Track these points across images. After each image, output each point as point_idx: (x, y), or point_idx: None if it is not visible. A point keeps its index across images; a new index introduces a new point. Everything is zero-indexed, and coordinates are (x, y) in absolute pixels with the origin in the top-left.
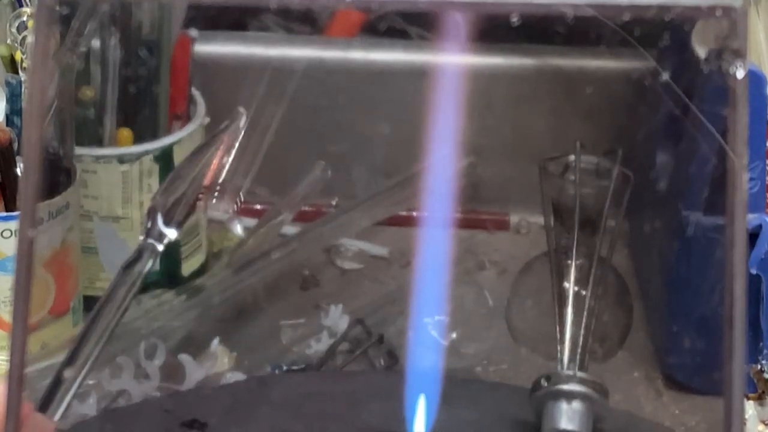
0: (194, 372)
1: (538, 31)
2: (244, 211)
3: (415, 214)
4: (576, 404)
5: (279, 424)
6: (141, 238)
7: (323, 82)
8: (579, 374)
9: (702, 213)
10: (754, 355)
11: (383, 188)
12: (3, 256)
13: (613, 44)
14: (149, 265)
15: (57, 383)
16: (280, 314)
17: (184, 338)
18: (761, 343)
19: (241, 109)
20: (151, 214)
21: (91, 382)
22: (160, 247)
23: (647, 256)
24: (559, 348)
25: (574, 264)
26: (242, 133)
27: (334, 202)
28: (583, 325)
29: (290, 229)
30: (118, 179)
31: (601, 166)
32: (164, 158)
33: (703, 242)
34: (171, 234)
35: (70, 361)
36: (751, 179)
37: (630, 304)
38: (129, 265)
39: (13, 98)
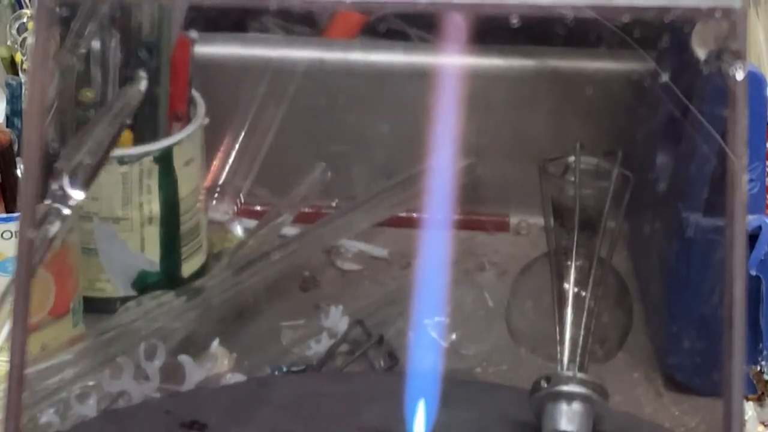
0: (194, 373)
1: (537, 33)
2: (245, 212)
3: (415, 215)
4: (576, 405)
5: (279, 425)
6: (47, 202)
7: (323, 83)
8: (579, 375)
9: (702, 214)
10: (753, 356)
11: (383, 189)
12: (3, 257)
13: (613, 46)
14: (56, 227)
15: None
16: (280, 315)
17: (184, 339)
18: (761, 344)
19: (142, 73)
20: (56, 176)
21: (91, 383)
22: (66, 210)
23: (647, 257)
24: (558, 349)
25: (573, 265)
26: (138, 100)
27: (334, 204)
28: (582, 326)
29: (290, 230)
30: (118, 180)
31: (601, 167)
32: (164, 159)
33: (702, 243)
34: (77, 195)
35: None
36: (751, 180)
37: (630, 305)
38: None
39: (14, 100)
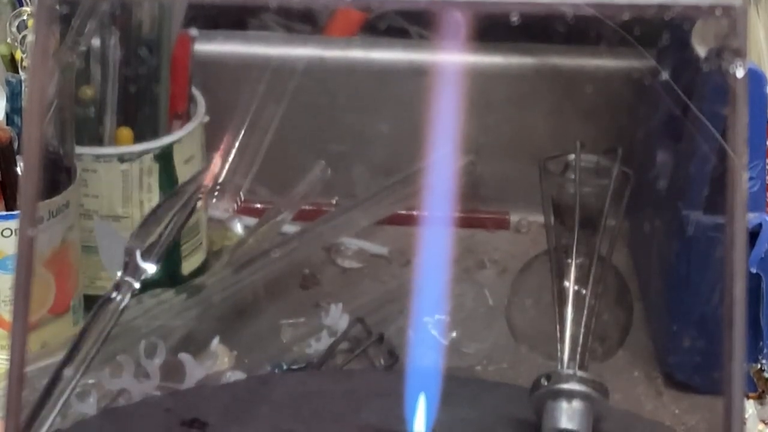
0: (194, 371)
1: (537, 31)
2: (245, 210)
3: (415, 213)
4: (576, 403)
5: (279, 424)
6: (119, 274)
7: (323, 81)
8: (579, 373)
9: (702, 212)
10: (754, 354)
11: (383, 187)
12: (3, 255)
13: (613, 43)
14: (126, 301)
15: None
16: (280, 313)
17: (184, 337)
18: (761, 342)
19: (218, 157)
20: (129, 253)
21: (91, 381)
22: (137, 285)
23: (647, 256)
24: (559, 347)
25: (574, 263)
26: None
27: (334, 201)
28: (583, 324)
29: (290, 228)
30: (118, 178)
31: (601, 165)
32: (164, 157)
33: (703, 241)
34: (150, 269)
35: (45, 396)
36: (751, 178)
37: (630, 303)
38: (105, 301)
39: (14, 97)
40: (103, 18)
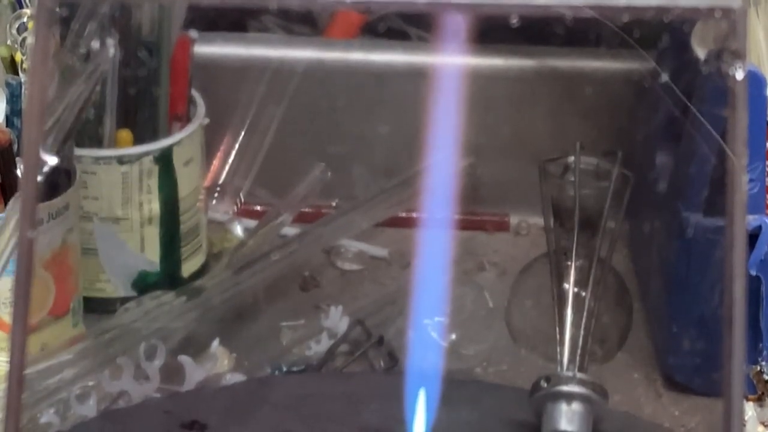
0: (194, 373)
1: (537, 33)
2: (244, 212)
3: (415, 215)
4: (576, 405)
5: (279, 425)
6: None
7: (323, 83)
8: (579, 375)
9: (702, 214)
10: (753, 356)
11: (383, 189)
12: None
13: (613, 45)
14: None
15: None
16: (280, 315)
17: (184, 339)
18: (761, 345)
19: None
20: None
21: (91, 383)
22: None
23: (647, 257)
24: (558, 349)
25: (573, 265)
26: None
27: (334, 203)
28: (582, 326)
29: (290, 230)
30: (117, 180)
31: (601, 167)
32: (164, 159)
33: (702, 243)
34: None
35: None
36: (751, 180)
37: (630, 305)
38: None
39: (13, 99)
40: (103, 20)
